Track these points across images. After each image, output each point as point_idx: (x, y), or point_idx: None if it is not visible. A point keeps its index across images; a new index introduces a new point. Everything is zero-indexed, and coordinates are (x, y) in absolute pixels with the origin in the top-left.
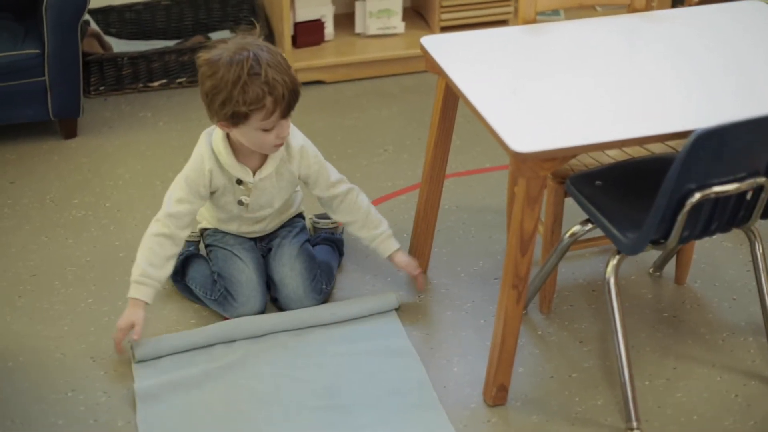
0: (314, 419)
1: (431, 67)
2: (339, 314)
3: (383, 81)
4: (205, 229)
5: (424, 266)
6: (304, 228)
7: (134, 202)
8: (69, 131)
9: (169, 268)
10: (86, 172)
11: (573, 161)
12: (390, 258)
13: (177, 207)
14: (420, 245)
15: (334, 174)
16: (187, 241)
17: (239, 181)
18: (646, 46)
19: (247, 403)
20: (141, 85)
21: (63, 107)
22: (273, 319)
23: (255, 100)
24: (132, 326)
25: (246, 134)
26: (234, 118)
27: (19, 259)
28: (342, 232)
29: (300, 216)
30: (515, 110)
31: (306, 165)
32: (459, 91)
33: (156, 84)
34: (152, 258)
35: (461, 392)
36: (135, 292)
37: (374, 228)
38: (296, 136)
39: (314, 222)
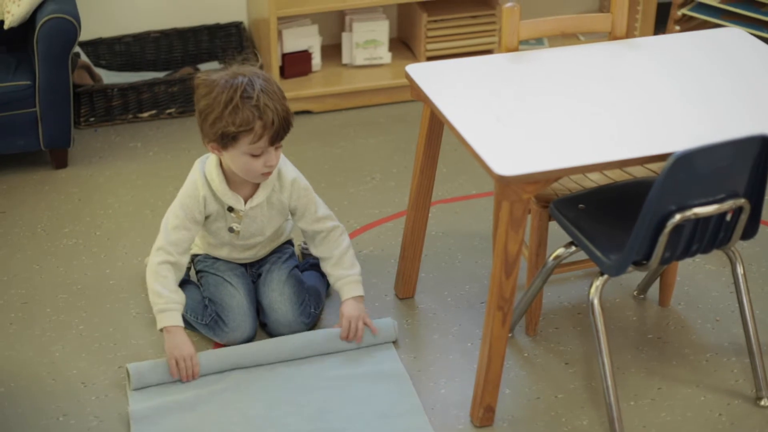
0: None
1: (417, 94)
2: (337, 346)
3: (370, 111)
4: (196, 255)
5: (411, 291)
6: (293, 254)
7: (124, 230)
8: (59, 161)
9: (182, 294)
10: (77, 202)
11: (556, 185)
12: (343, 305)
13: (175, 234)
14: (407, 270)
15: (322, 209)
16: None
17: (231, 209)
18: (626, 72)
19: (240, 427)
20: (131, 115)
21: (54, 138)
22: (269, 349)
23: (244, 122)
24: (191, 358)
25: (235, 159)
26: (223, 139)
27: (11, 287)
28: None
29: (289, 243)
30: (499, 136)
31: (296, 197)
32: (444, 117)
33: (146, 114)
34: (167, 284)
35: (449, 414)
36: (166, 320)
37: (346, 268)
38: (289, 169)
39: (303, 248)
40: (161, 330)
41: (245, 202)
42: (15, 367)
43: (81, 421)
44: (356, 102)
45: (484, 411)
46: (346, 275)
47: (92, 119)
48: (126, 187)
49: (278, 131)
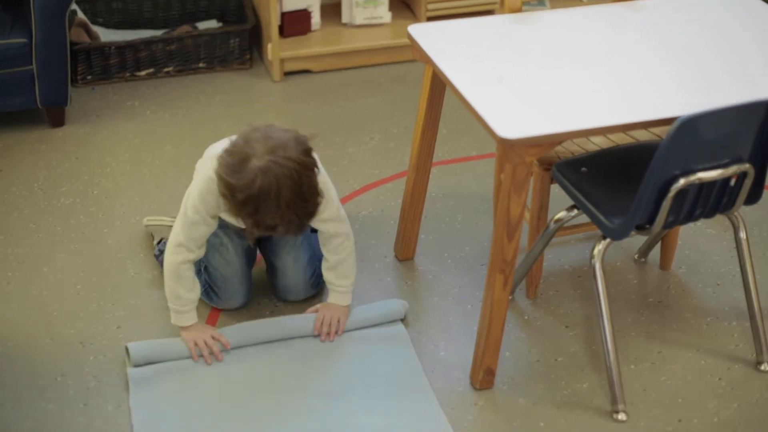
0: (306, 404)
1: (418, 55)
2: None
3: (370, 70)
4: None
5: (410, 253)
6: None
7: (122, 189)
8: (56, 120)
9: (198, 286)
10: (74, 161)
11: (559, 148)
12: (329, 301)
13: (195, 231)
14: (407, 232)
15: (335, 212)
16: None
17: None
18: (631, 34)
19: (240, 388)
20: (128, 74)
21: (50, 96)
22: (277, 328)
23: (265, 230)
24: (209, 342)
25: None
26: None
27: (7, 246)
28: None
29: None
30: (502, 97)
31: None
32: (446, 78)
33: (143, 73)
34: (185, 283)
35: (449, 376)
36: (182, 320)
37: (339, 277)
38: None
39: None
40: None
41: None
42: (12, 327)
43: (79, 381)
44: (356, 61)
45: (484, 373)
46: (335, 284)
47: (89, 77)
48: (123, 146)
49: (301, 229)
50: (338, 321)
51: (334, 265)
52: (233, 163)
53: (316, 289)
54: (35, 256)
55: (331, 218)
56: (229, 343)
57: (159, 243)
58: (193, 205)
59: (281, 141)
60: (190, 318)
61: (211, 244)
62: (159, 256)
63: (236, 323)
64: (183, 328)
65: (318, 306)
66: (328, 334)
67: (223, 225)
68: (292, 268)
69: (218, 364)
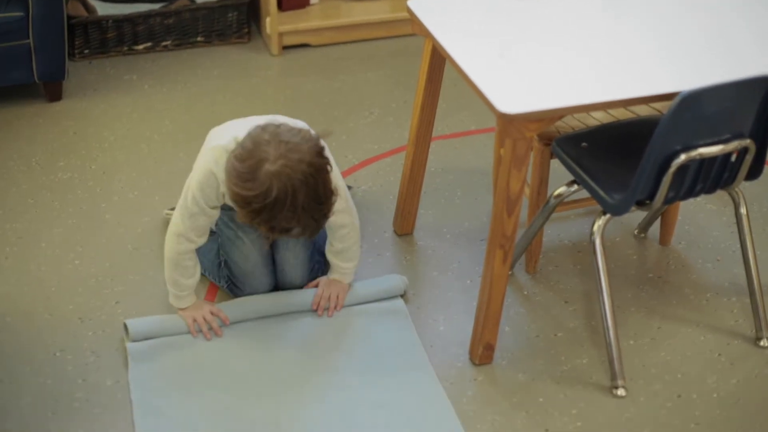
0: (305, 379)
1: (418, 29)
2: (345, 300)
3: (369, 44)
4: None
5: (410, 228)
6: None
7: (120, 164)
8: (54, 94)
9: (198, 270)
10: (72, 135)
11: (559, 123)
12: (329, 278)
13: (195, 221)
14: (406, 207)
15: (342, 203)
16: None
17: None
18: (632, 9)
19: (239, 363)
20: (126, 48)
21: (48, 70)
22: (272, 304)
23: (280, 233)
24: (210, 312)
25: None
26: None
27: (5, 221)
28: None
29: None
30: (502, 72)
31: None
32: (446, 53)
33: (141, 47)
34: (185, 272)
35: (448, 351)
36: (181, 303)
37: (342, 260)
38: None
39: None
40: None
41: None
42: (10, 302)
43: (78, 356)
44: (355, 35)
45: (483, 349)
46: (339, 265)
47: (87, 51)
48: (121, 121)
49: (318, 229)
50: (337, 297)
51: (339, 251)
52: (245, 172)
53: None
54: (33, 231)
55: (340, 210)
56: (228, 319)
57: None
58: (192, 197)
59: (293, 143)
60: (189, 300)
61: (228, 238)
62: None
63: (235, 298)
64: (183, 311)
65: (319, 280)
66: (327, 309)
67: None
68: (290, 263)
69: (217, 339)
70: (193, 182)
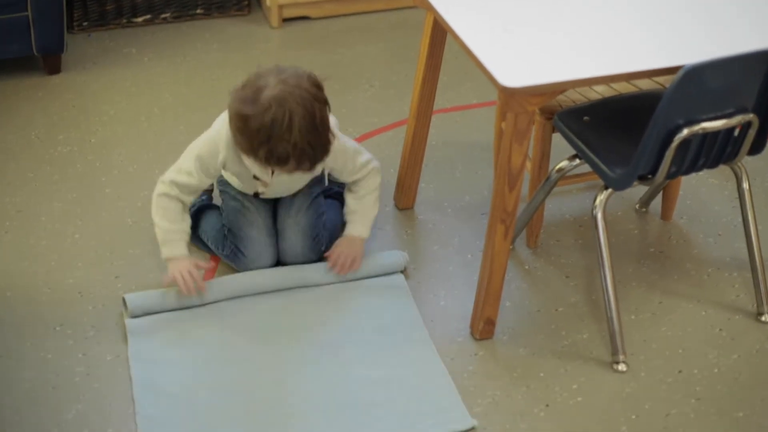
0: (305, 355)
1: (419, 2)
2: (344, 275)
3: (369, 17)
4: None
5: (410, 202)
6: (321, 179)
7: (120, 138)
8: (53, 67)
9: (188, 220)
10: (71, 109)
11: (561, 97)
12: (344, 236)
13: (184, 178)
14: (407, 181)
15: (360, 158)
16: None
17: (256, 177)
18: None
19: (239, 339)
20: (125, 20)
21: (46, 43)
22: (272, 278)
23: (278, 161)
24: (194, 266)
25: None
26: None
27: (5, 195)
28: None
29: None
30: (504, 45)
31: (331, 161)
32: (447, 26)
33: (140, 19)
34: (169, 215)
35: (448, 326)
36: (168, 251)
37: (362, 207)
38: None
39: (329, 174)
40: (165, 260)
41: (272, 173)
42: (10, 276)
43: (78, 331)
44: (355, 8)
45: (484, 324)
46: (357, 211)
47: (85, 24)
48: (121, 94)
49: (313, 163)
50: (353, 259)
51: (363, 195)
52: (247, 95)
53: (317, 256)
54: (33, 205)
55: (362, 164)
56: (209, 268)
57: None
58: (190, 158)
59: (294, 74)
60: (179, 248)
61: (233, 209)
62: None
63: (236, 273)
64: (171, 263)
65: (337, 242)
66: (343, 266)
67: (240, 192)
68: (291, 230)
69: (217, 313)
70: (195, 147)
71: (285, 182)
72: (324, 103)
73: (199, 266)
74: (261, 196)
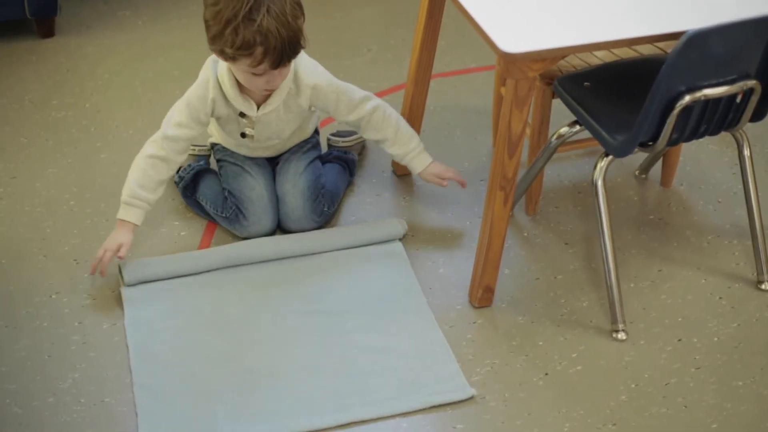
0: (302, 323)
1: None
2: (341, 243)
3: None
4: (216, 144)
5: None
6: (316, 144)
7: (114, 103)
8: (46, 30)
9: (160, 191)
10: (65, 73)
11: (561, 62)
12: (421, 174)
13: (176, 131)
14: None
15: (356, 94)
16: (197, 155)
17: (242, 114)
18: None
19: (236, 307)
20: None
21: (39, 6)
22: (269, 247)
23: (243, 46)
24: (119, 248)
25: (236, 72)
26: (222, 55)
27: None
28: (357, 153)
29: (315, 131)
30: (504, 10)
31: (322, 99)
32: None
33: None
34: (144, 180)
35: (447, 294)
36: (124, 213)
37: (405, 144)
38: (308, 72)
39: (329, 139)
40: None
41: (258, 108)
42: (5, 243)
43: (74, 298)
44: None
45: (483, 291)
46: (409, 151)
47: None
48: (115, 58)
49: (281, 56)
50: (448, 172)
51: (394, 133)
52: None
53: (320, 218)
54: (27, 171)
55: (362, 99)
56: (121, 255)
57: (179, 170)
58: (179, 108)
59: None
60: (136, 215)
61: (233, 173)
62: (178, 182)
63: (232, 243)
64: (120, 227)
65: (423, 178)
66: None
67: (243, 156)
68: (291, 194)
69: (213, 282)
70: (184, 97)
71: (272, 123)
72: (298, 3)
73: (121, 253)
74: (251, 144)
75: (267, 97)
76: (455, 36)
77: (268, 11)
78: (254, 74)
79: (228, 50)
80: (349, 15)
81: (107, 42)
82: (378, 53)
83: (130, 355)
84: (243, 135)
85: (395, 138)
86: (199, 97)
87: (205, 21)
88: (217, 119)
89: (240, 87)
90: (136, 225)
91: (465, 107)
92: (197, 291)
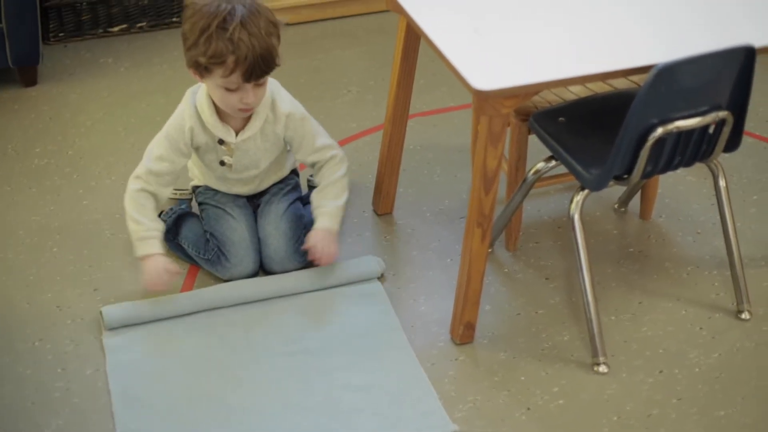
0: (284, 363)
1: (392, 6)
2: (320, 284)
3: (346, 21)
4: (197, 187)
5: (389, 207)
6: (296, 186)
7: (97, 149)
8: (29, 79)
9: (161, 221)
10: (48, 120)
11: (536, 98)
12: (313, 230)
13: (158, 165)
14: (385, 186)
15: (321, 140)
16: (179, 198)
17: (221, 141)
18: None
19: (218, 349)
20: (101, 30)
21: (22, 54)
22: (249, 288)
23: (216, 54)
24: (165, 271)
25: (211, 89)
26: (197, 67)
27: None
28: None
29: (294, 173)
30: (477, 48)
31: (291, 129)
32: (420, 30)
33: (116, 29)
34: (144, 211)
35: (429, 331)
36: (146, 248)
37: (327, 198)
38: (285, 100)
39: (309, 180)
40: (141, 259)
41: (236, 135)
42: None
43: (57, 345)
44: (332, 12)
45: (464, 328)
46: (324, 205)
47: (61, 35)
48: (98, 105)
49: (252, 68)
50: (330, 249)
51: (325, 186)
52: (191, 10)
53: (303, 258)
54: (10, 219)
55: (324, 145)
56: (180, 272)
57: (160, 214)
58: (157, 141)
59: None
60: (156, 245)
61: (215, 215)
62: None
63: (214, 285)
64: (148, 261)
65: (308, 236)
66: (321, 257)
67: (224, 199)
68: (273, 236)
69: (194, 324)
70: (162, 131)
71: (249, 151)
72: (274, 24)
73: (173, 270)
74: (229, 174)
75: (245, 122)
76: (434, 75)
77: (241, 23)
78: (228, 89)
79: (201, 59)
80: (329, 56)
81: (90, 89)
82: (358, 94)
83: (113, 400)
84: (222, 163)
85: (323, 189)
86: (176, 128)
87: (183, 34)
88: (196, 150)
89: (219, 113)
90: (163, 254)
91: (445, 146)
92: (179, 334)
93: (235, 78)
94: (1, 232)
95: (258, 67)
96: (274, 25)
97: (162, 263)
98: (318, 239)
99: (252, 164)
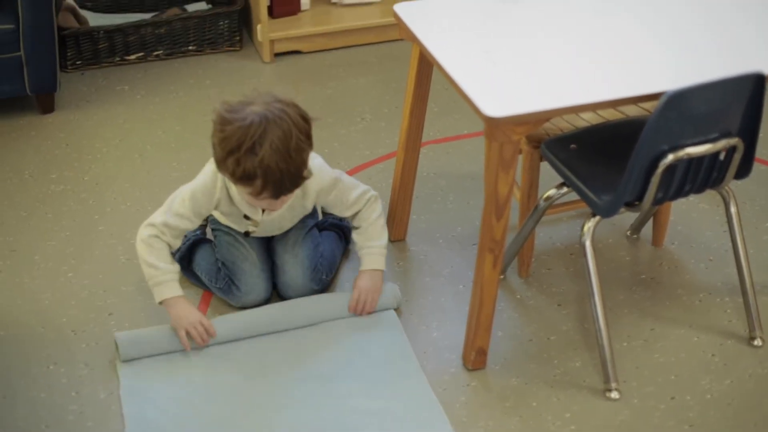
0: (297, 389)
1: (405, 34)
2: (335, 314)
3: (360, 50)
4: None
5: (402, 233)
6: (313, 213)
7: (113, 175)
8: (46, 106)
9: (177, 264)
10: (64, 147)
11: (548, 125)
12: (361, 273)
13: (175, 221)
14: (398, 213)
15: (353, 193)
16: None
17: (247, 216)
18: (619, 7)
19: (231, 374)
20: (118, 58)
21: (39, 82)
22: (264, 321)
23: (244, 176)
24: (198, 323)
25: (240, 192)
26: (226, 176)
27: None
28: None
29: None
30: (488, 75)
31: (323, 200)
32: (432, 58)
33: (133, 57)
34: (159, 255)
35: (441, 357)
36: (166, 292)
37: (371, 239)
38: (316, 178)
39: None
40: (160, 303)
41: (263, 212)
42: (4, 315)
43: (71, 369)
44: (346, 41)
45: (476, 354)
46: (369, 246)
47: (78, 63)
48: (114, 131)
49: (280, 189)
50: (371, 299)
51: (366, 228)
52: (233, 105)
53: (319, 285)
54: (26, 244)
55: (356, 198)
56: (215, 333)
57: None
58: (181, 199)
59: (284, 101)
60: (173, 289)
61: (227, 243)
62: (175, 254)
63: (227, 313)
64: (170, 306)
65: (356, 279)
66: (363, 306)
67: (233, 229)
68: (290, 263)
69: (209, 352)
70: (188, 188)
71: (275, 221)
72: (305, 135)
73: (204, 325)
74: (252, 235)
75: None
76: (447, 103)
77: (271, 146)
78: (256, 198)
79: (229, 176)
80: (344, 84)
81: (106, 116)
82: (372, 122)
83: (126, 424)
84: (246, 233)
85: (365, 230)
86: (204, 193)
87: (212, 144)
88: (220, 211)
89: None
90: (183, 296)
91: (458, 173)
92: (192, 361)
93: (264, 195)
94: (18, 256)
95: (285, 187)
96: (307, 135)
97: (194, 318)
98: (365, 281)
99: (276, 228)
